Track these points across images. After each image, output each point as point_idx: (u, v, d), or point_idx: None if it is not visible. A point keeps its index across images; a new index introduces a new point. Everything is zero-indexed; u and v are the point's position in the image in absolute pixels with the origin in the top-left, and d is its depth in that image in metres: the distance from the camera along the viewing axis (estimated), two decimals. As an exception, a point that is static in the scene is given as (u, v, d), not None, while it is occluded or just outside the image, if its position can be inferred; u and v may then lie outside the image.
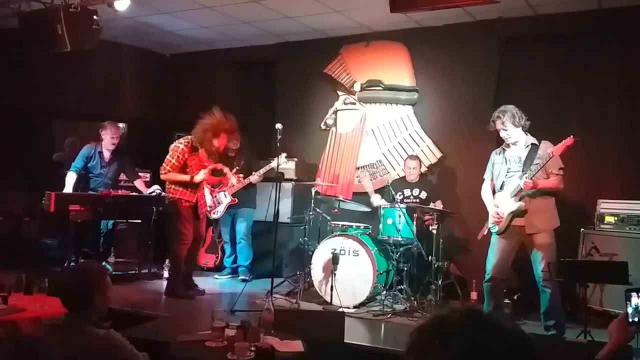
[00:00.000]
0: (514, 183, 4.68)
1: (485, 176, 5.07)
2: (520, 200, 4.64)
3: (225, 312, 4.05)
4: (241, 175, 6.43)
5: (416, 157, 6.40)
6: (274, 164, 5.89)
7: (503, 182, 4.82)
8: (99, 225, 6.75)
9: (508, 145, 4.84)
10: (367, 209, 6.33)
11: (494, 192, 4.96)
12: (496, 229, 4.80)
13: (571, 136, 4.37)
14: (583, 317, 4.42)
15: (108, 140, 6.57)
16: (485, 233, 5.00)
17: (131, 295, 5.42)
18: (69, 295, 2.67)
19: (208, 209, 6.70)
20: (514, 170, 4.76)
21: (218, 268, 7.14)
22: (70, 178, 6.41)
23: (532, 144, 4.72)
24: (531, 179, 4.51)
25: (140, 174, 7.35)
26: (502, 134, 4.77)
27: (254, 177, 6.51)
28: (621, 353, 2.06)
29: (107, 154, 6.64)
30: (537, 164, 4.60)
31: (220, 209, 6.68)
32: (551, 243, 4.65)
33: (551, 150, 4.46)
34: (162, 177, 5.75)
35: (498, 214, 4.77)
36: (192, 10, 6.58)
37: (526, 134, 4.77)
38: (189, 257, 5.89)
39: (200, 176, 5.65)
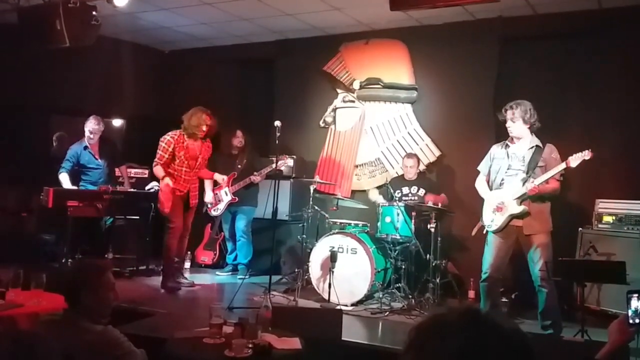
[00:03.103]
0: (515, 184, 4.66)
1: (481, 169, 5.05)
2: (521, 203, 4.63)
3: (223, 309, 4.05)
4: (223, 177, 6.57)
5: (414, 156, 6.40)
6: (274, 165, 5.94)
7: (502, 179, 4.80)
8: (100, 221, 6.75)
9: (512, 141, 4.82)
10: (365, 207, 6.34)
11: (490, 187, 4.94)
12: (492, 228, 4.80)
13: (589, 150, 4.36)
14: (580, 316, 4.42)
15: (87, 134, 6.58)
16: (483, 231, 4.99)
17: (129, 291, 5.41)
18: (61, 291, 2.68)
19: (209, 205, 6.73)
20: (515, 169, 4.74)
21: (216, 265, 7.14)
22: (64, 179, 6.43)
23: (536, 145, 4.70)
24: (537, 185, 4.51)
25: (137, 170, 7.37)
26: (508, 124, 4.75)
27: (255, 177, 6.52)
28: (619, 353, 2.06)
29: (95, 147, 6.65)
30: (541, 166, 4.59)
31: (221, 207, 6.71)
32: (548, 243, 4.66)
33: (565, 161, 4.43)
34: (153, 169, 5.99)
35: (499, 204, 4.75)
36: (192, 6, 6.56)
37: (532, 134, 4.75)
38: (177, 249, 6.05)
39: (165, 181, 5.80)
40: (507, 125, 4.78)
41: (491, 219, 4.81)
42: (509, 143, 4.85)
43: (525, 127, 4.71)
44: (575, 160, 4.39)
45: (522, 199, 4.63)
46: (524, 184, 4.59)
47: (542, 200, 4.65)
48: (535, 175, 4.56)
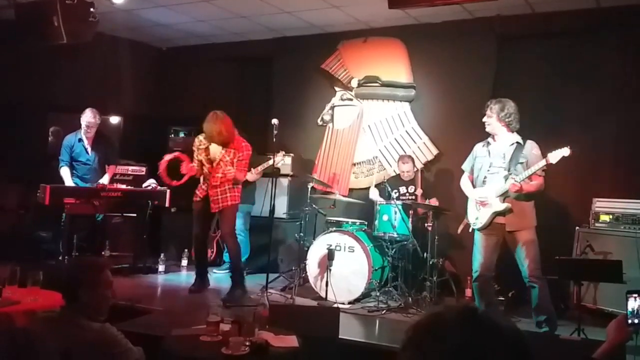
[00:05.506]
0: (497, 181, 4.68)
1: (465, 167, 5.07)
2: (504, 200, 4.65)
3: (220, 306, 4.06)
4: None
5: (409, 159, 6.32)
6: (271, 161, 5.86)
7: (485, 177, 4.82)
8: (95, 218, 6.72)
9: (493, 139, 4.84)
10: (362, 202, 6.34)
11: (474, 186, 4.96)
12: (478, 225, 4.81)
13: (569, 147, 4.37)
14: (577, 315, 4.43)
15: (84, 126, 6.49)
16: (469, 230, 5.00)
17: (126, 289, 5.40)
18: (59, 288, 2.69)
19: None
20: (496, 166, 4.76)
21: (213, 263, 7.13)
22: (65, 172, 6.40)
23: (517, 142, 4.72)
24: (519, 182, 4.52)
25: (135, 167, 7.34)
26: (484, 119, 4.80)
27: (251, 175, 6.49)
28: (617, 352, 2.07)
29: (87, 141, 6.56)
30: (522, 162, 4.62)
31: None
32: (534, 240, 4.67)
33: (546, 158, 4.45)
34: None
35: (481, 198, 4.77)
36: (190, 3, 6.55)
37: (513, 132, 4.75)
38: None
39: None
40: (483, 119, 4.82)
41: (476, 217, 4.84)
42: (490, 141, 4.87)
43: (499, 124, 4.73)
44: (554, 156, 4.40)
45: (504, 196, 4.65)
46: (505, 181, 4.61)
47: (525, 197, 4.66)
48: (516, 172, 4.59)
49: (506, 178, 4.61)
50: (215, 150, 5.59)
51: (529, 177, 4.58)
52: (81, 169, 6.57)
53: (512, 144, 4.73)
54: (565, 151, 4.37)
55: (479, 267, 4.79)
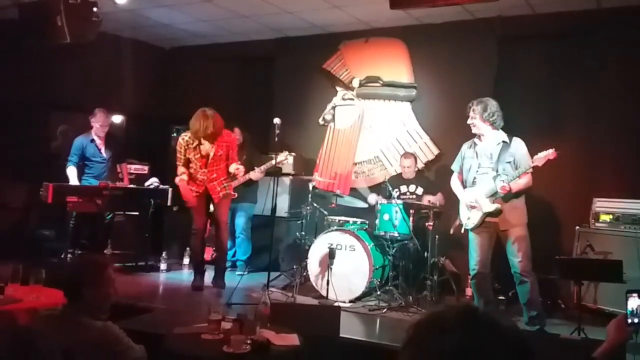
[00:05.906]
0: (487, 182, 4.70)
1: (454, 168, 5.10)
2: (494, 201, 4.66)
3: (221, 305, 4.07)
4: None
5: (411, 155, 6.39)
6: (274, 160, 5.88)
7: (475, 178, 4.83)
8: (101, 216, 6.75)
9: (479, 139, 4.85)
10: (364, 205, 6.35)
11: (463, 186, 4.98)
12: (469, 226, 4.83)
13: (553, 150, 4.38)
14: (577, 314, 4.44)
15: (98, 127, 6.59)
16: (461, 230, 5.02)
17: (128, 287, 5.42)
18: (61, 286, 2.70)
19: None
20: (485, 167, 4.78)
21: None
22: (72, 172, 6.46)
23: (503, 141, 4.74)
24: (508, 183, 4.54)
25: (137, 166, 7.37)
26: (469, 121, 4.82)
27: (255, 174, 6.50)
28: (617, 351, 2.08)
29: (100, 141, 6.67)
30: (509, 162, 4.64)
31: None
32: (525, 236, 4.69)
33: (532, 160, 4.48)
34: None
35: (472, 202, 4.78)
36: (192, 3, 6.57)
37: (497, 130, 4.77)
38: (216, 245, 6.14)
39: (177, 179, 5.79)
40: (468, 122, 4.83)
41: (467, 217, 4.87)
42: (476, 141, 4.90)
43: (484, 124, 4.76)
44: (540, 159, 4.42)
45: (494, 197, 4.66)
46: (494, 182, 4.62)
47: (514, 195, 4.68)
48: (505, 172, 4.60)
49: (495, 179, 4.62)
50: (207, 146, 5.71)
51: (518, 176, 4.61)
52: (97, 167, 6.67)
53: (499, 143, 4.75)
54: (550, 154, 4.38)
55: (476, 264, 4.82)
